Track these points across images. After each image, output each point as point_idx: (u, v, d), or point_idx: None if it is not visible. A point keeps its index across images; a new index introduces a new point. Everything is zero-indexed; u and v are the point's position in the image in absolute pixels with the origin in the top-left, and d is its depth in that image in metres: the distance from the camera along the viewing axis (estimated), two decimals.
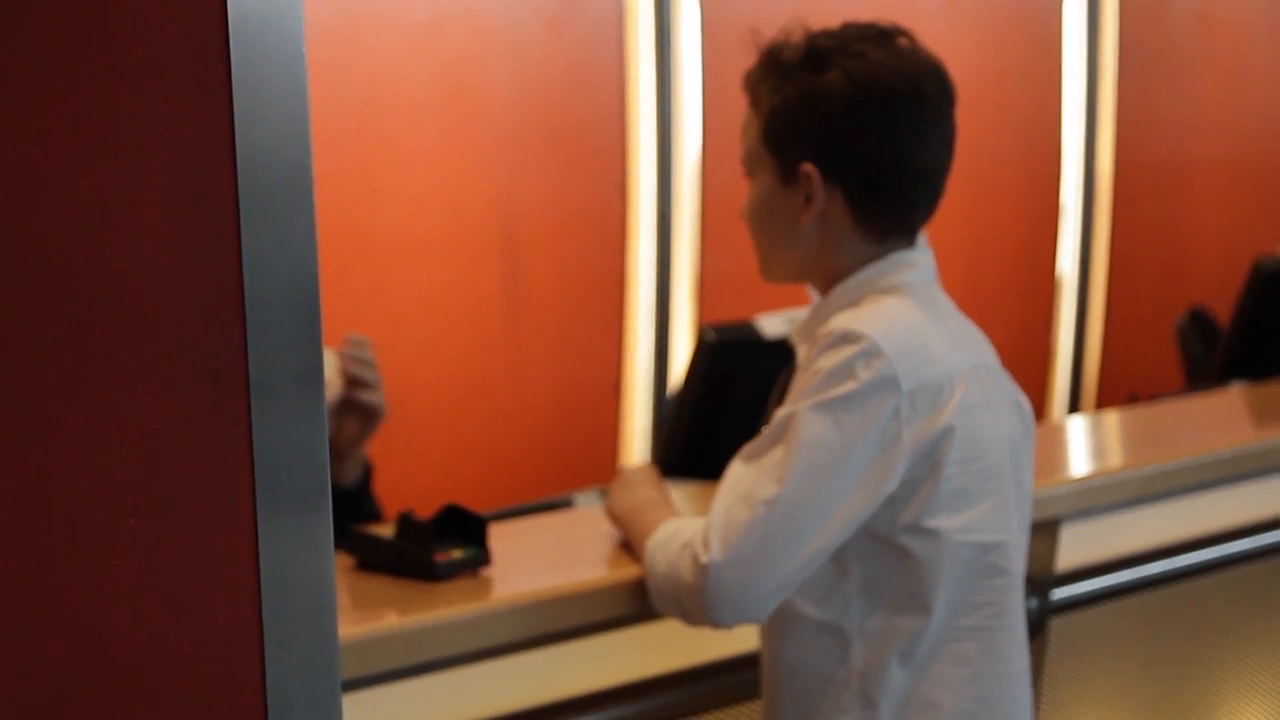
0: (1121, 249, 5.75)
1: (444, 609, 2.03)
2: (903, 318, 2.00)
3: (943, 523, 1.98)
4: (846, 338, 1.94)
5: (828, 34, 2.06)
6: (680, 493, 2.26)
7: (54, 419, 1.06)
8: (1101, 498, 2.76)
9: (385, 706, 2.03)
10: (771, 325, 2.87)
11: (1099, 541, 2.82)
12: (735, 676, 2.37)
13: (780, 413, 1.95)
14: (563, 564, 2.27)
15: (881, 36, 2.05)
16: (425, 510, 2.20)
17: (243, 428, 1.13)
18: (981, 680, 2.03)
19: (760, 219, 2.11)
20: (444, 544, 2.14)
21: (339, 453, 2.56)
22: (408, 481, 3.82)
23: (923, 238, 2.10)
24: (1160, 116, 5.82)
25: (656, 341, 4.71)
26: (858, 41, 2.04)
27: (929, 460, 1.96)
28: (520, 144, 4.46)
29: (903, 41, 2.06)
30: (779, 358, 2.27)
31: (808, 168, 2.03)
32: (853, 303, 2.03)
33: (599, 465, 4.39)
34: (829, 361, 1.94)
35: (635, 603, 2.13)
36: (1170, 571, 2.94)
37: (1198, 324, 4.45)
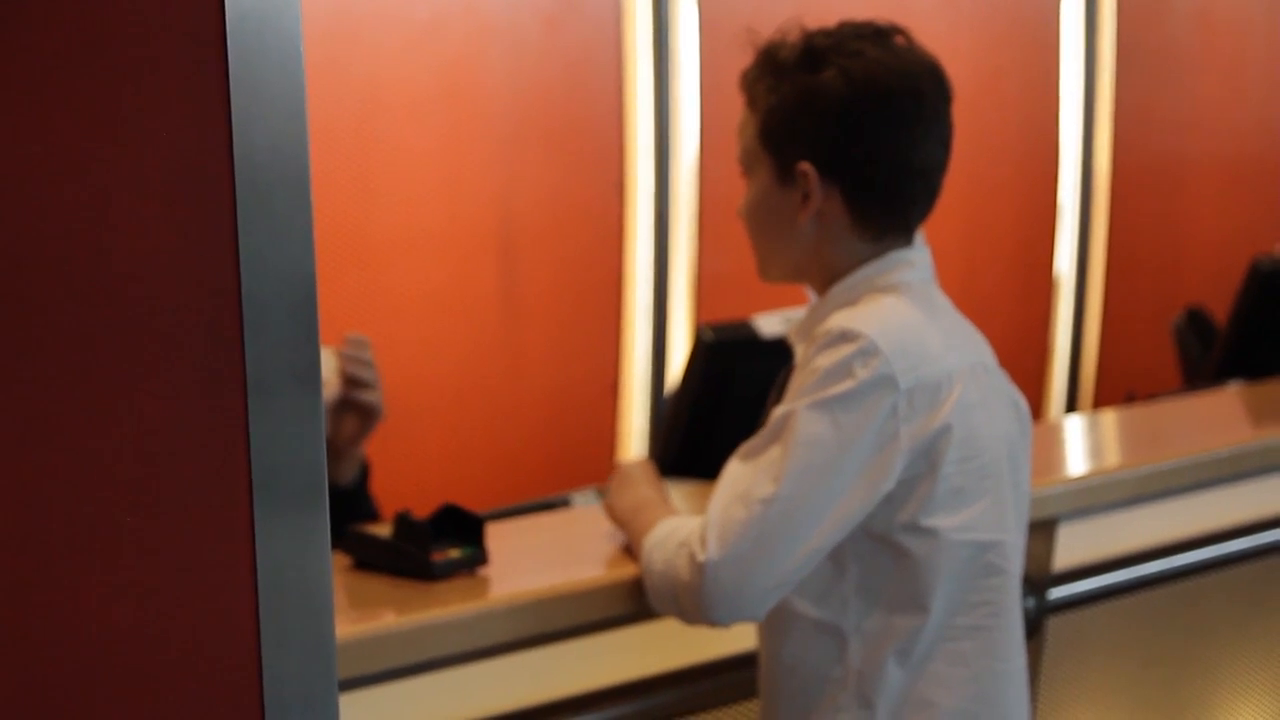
0: (1119, 248, 5.75)
1: (441, 608, 2.03)
2: (900, 316, 2.00)
3: (940, 522, 1.98)
4: (844, 336, 1.94)
5: (824, 33, 2.06)
6: (678, 492, 2.26)
7: (51, 418, 1.06)
8: (1099, 497, 2.76)
9: (382, 706, 2.03)
10: (769, 324, 2.87)
11: (1096, 541, 2.82)
12: (732, 676, 2.37)
13: (778, 411, 1.95)
14: (560, 564, 2.27)
15: (878, 35, 2.05)
16: (422, 510, 2.20)
17: (240, 427, 1.13)
18: (979, 679, 2.03)
19: (757, 218, 2.11)
20: (441, 543, 2.14)
21: (336, 452, 2.56)
22: (405, 481, 3.82)
23: (920, 236, 2.10)
24: (1158, 116, 5.82)
25: (654, 341, 4.71)
26: (854, 40, 2.04)
27: (926, 459, 1.96)
28: (518, 143, 4.46)
29: (899, 40, 2.06)
30: (776, 357, 2.27)
31: (805, 166, 2.03)
32: (850, 301, 2.03)
33: (596, 465, 4.38)
34: (827, 360, 1.94)
35: (632, 602, 2.13)
36: (1167, 571, 2.94)
37: (1195, 323, 4.45)
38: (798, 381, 1.96)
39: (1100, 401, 5.71)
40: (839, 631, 2.01)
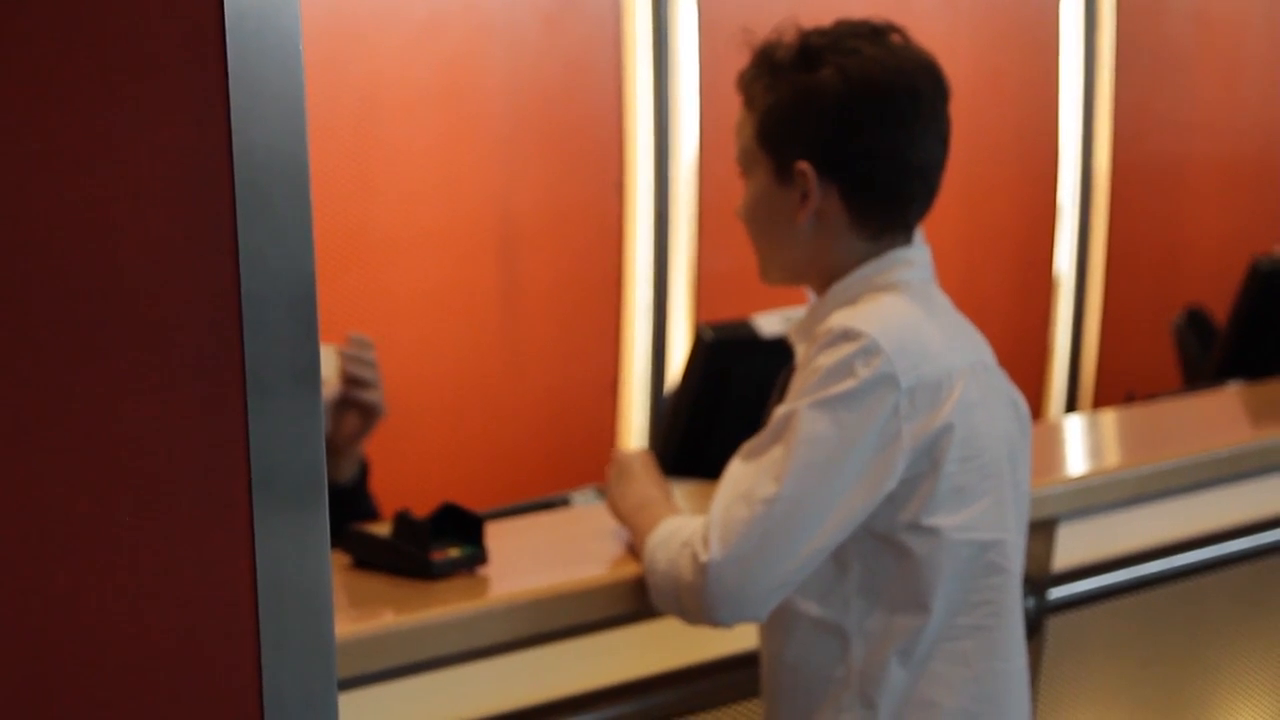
0: (1118, 248, 5.75)
1: (441, 608, 2.03)
2: (901, 315, 1.99)
3: (942, 521, 1.98)
4: (845, 335, 1.94)
5: (820, 32, 2.06)
6: (678, 491, 2.25)
7: (49, 417, 1.06)
8: (1098, 497, 2.76)
9: (382, 706, 2.03)
10: (769, 324, 2.87)
11: (1096, 541, 2.82)
12: (734, 675, 2.37)
13: (780, 411, 1.95)
14: (559, 563, 2.27)
15: (874, 33, 2.05)
16: (422, 508, 2.20)
17: (239, 426, 1.13)
18: (981, 679, 2.03)
19: (756, 218, 2.11)
20: (441, 543, 2.14)
21: (336, 450, 2.56)
22: (404, 480, 3.82)
23: (919, 235, 2.10)
24: (1157, 116, 5.82)
25: (654, 340, 4.70)
26: (851, 39, 2.04)
27: (928, 458, 1.96)
28: (517, 142, 4.46)
29: (896, 38, 2.06)
30: (776, 356, 2.27)
31: (803, 166, 2.03)
32: (850, 300, 2.03)
33: (596, 464, 4.37)
34: (828, 359, 1.94)
35: (632, 601, 2.13)
36: (1167, 571, 2.93)
37: (1195, 323, 4.45)
38: (799, 381, 1.96)
39: (1100, 401, 5.70)
40: (841, 631, 2.01)
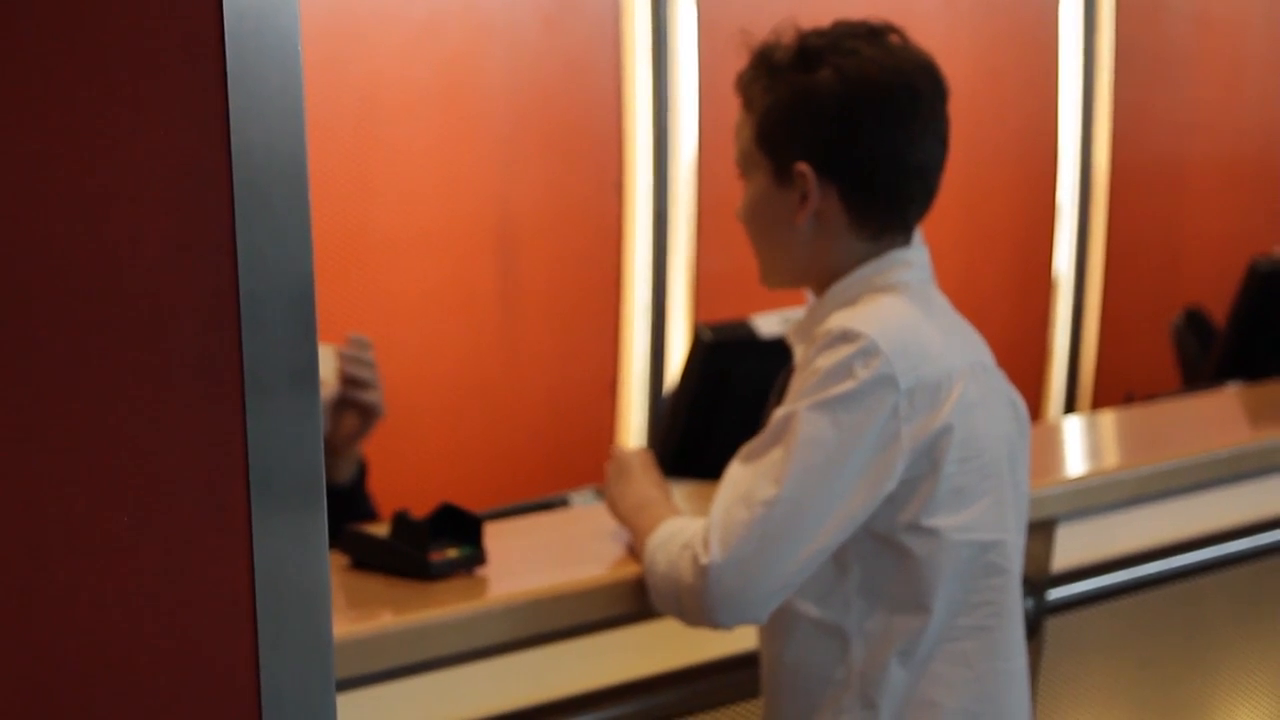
0: (1118, 249, 5.75)
1: (439, 608, 2.03)
2: (900, 316, 1.99)
3: (942, 522, 1.97)
4: (844, 337, 1.94)
5: (818, 33, 2.05)
6: (677, 492, 2.25)
7: (46, 417, 1.06)
8: (1097, 498, 2.76)
9: (380, 707, 2.02)
10: (767, 324, 2.87)
11: (1095, 542, 2.82)
12: (733, 676, 2.36)
13: (779, 413, 1.95)
14: (558, 563, 2.27)
15: (872, 34, 2.05)
16: (420, 509, 2.19)
17: (237, 426, 1.13)
18: (981, 680, 2.03)
19: (756, 220, 2.10)
20: (439, 543, 2.14)
21: (334, 450, 2.55)
22: (403, 480, 3.82)
23: (918, 236, 2.10)
24: (1156, 116, 5.81)
25: (652, 340, 4.70)
26: (849, 39, 2.04)
27: (928, 459, 1.96)
28: (517, 142, 4.46)
29: (894, 39, 2.06)
30: (775, 357, 2.27)
31: (802, 167, 2.03)
32: (849, 301, 2.03)
33: (595, 464, 4.37)
34: (827, 361, 1.93)
35: (631, 602, 2.13)
36: (1166, 572, 2.93)
37: (1194, 324, 4.45)
38: (798, 383, 1.96)
39: (1099, 402, 5.70)
40: (841, 632, 2.01)
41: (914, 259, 2.07)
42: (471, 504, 2.21)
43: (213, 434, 1.12)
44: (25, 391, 1.05)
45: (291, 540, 1.16)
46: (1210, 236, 5.94)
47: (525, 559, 2.29)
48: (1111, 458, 3.21)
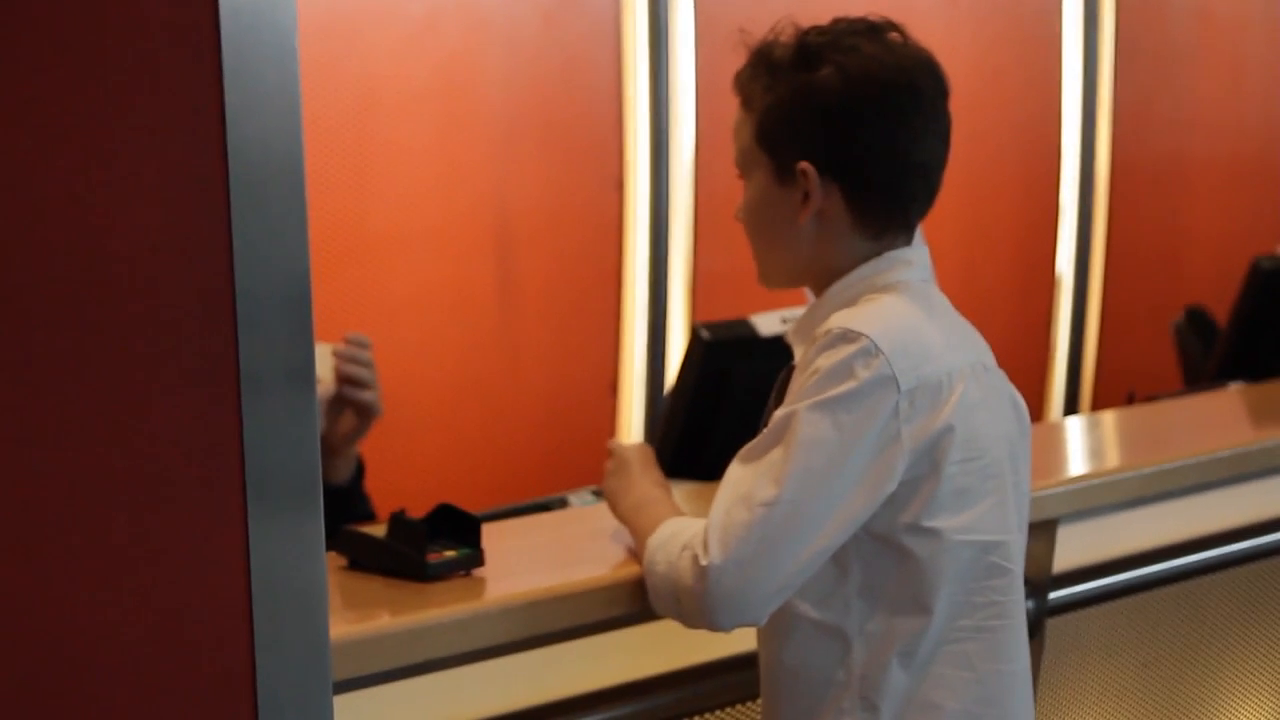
0: (1119, 248, 5.75)
1: (436, 609, 2.02)
2: (900, 316, 1.99)
3: (943, 522, 1.97)
4: (845, 337, 1.93)
5: (818, 30, 2.05)
6: (677, 492, 2.24)
7: (43, 417, 1.05)
8: (1099, 498, 2.75)
9: (377, 708, 2.02)
10: (767, 324, 2.86)
11: (1096, 542, 2.81)
12: (731, 677, 2.36)
13: (779, 413, 1.94)
14: (556, 564, 2.26)
15: (872, 31, 2.04)
16: (418, 509, 2.19)
17: (233, 425, 1.12)
18: (983, 681, 2.02)
19: (757, 220, 2.10)
20: (437, 544, 2.13)
21: (331, 450, 2.55)
22: (400, 480, 3.82)
23: (919, 235, 2.09)
24: (1158, 114, 5.82)
25: (651, 339, 4.70)
26: (849, 37, 2.03)
27: (929, 459, 1.95)
28: (515, 140, 4.45)
29: (894, 36, 2.05)
30: (774, 356, 2.26)
31: (804, 166, 2.02)
32: (849, 301, 2.02)
33: (594, 465, 4.36)
34: (827, 361, 1.93)
35: (630, 603, 2.12)
36: (1167, 573, 2.93)
37: (1195, 323, 4.45)
38: (798, 383, 1.95)
39: (1100, 402, 5.71)
40: (842, 634, 2.00)
41: (914, 258, 2.06)
42: (469, 504, 2.21)
43: (208, 433, 1.12)
44: (19, 392, 1.04)
45: (288, 540, 1.16)
46: (1212, 235, 5.94)
47: (523, 560, 2.29)
48: (1113, 458, 3.21)
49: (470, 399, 4.44)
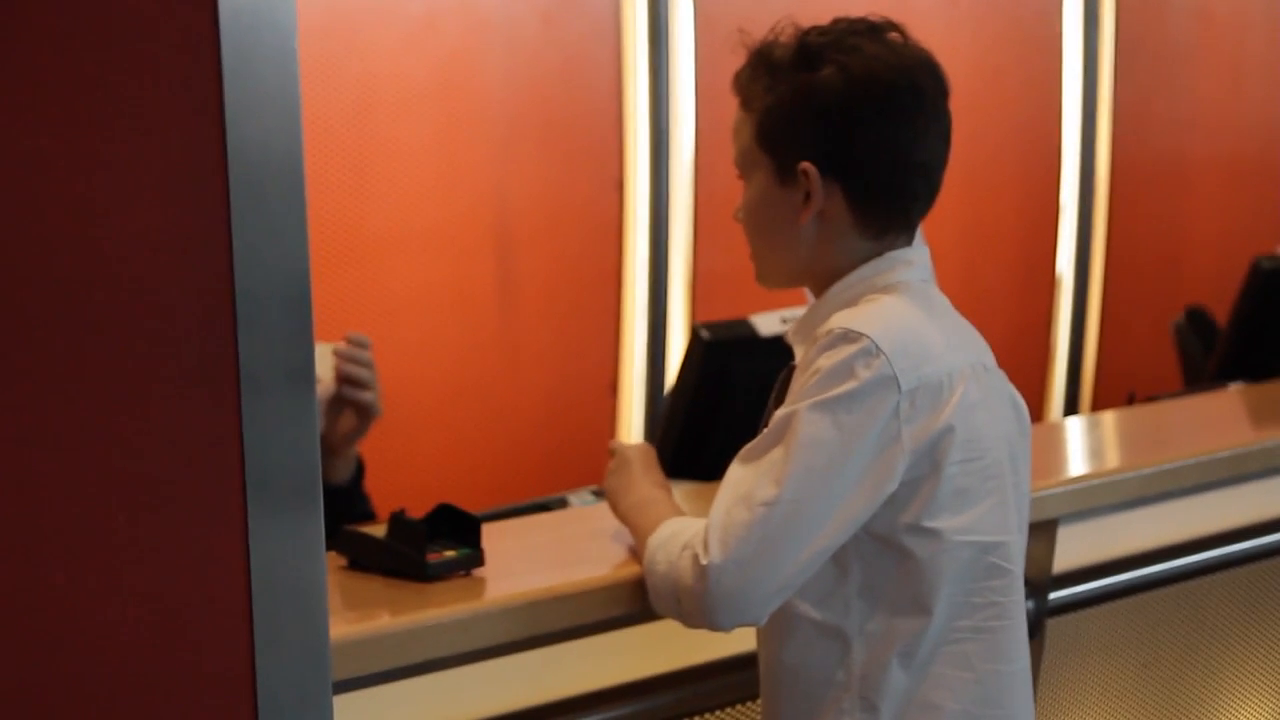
0: (1119, 248, 5.75)
1: (436, 609, 2.02)
2: (901, 316, 1.98)
3: (943, 523, 1.96)
4: (845, 337, 1.93)
5: (818, 30, 2.05)
6: (677, 492, 2.24)
7: (42, 417, 1.05)
8: (1099, 498, 2.75)
9: (377, 708, 2.02)
10: (767, 324, 2.86)
11: (1096, 543, 2.81)
12: (730, 678, 2.36)
13: (779, 413, 1.94)
14: (556, 564, 2.26)
15: (873, 31, 2.04)
16: (418, 509, 2.18)
17: (233, 425, 1.12)
18: (983, 682, 2.02)
19: (757, 221, 2.09)
20: (436, 544, 2.13)
21: (331, 450, 2.54)
22: (400, 480, 3.82)
23: (919, 235, 2.09)
24: (1158, 115, 5.82)
25: (651, 339, 4.70)
26: (850, 36, 2.03)
27: (929, 460, 1.95)
28: (515, 140, 4.45)
29: (894, 36, 2.05)
30: (774, 356, 2.26)
31: (805, 166, 2.01)
32: (850, 301, 2.02)
33: (594, 465, 4.37)
34: (828, 361, 1.92)
35: (630, 603, 2.12)
36: (1168, 573, 2.93)
37: (1196, 323, 4.45)
38: (799, 383, 1.95)
39: (1100, 402, 5.71)
40: (842, 634, 2.00)
41: (915, 258, 2.06)
42: (469, 504, 2.20)
43: (208, 433, 1.12)
44: (19, 392, 1.04)
45: (288, 540, 1.16)
46: (1212, 235, 5.94)
47: (523, 560, 2.29)
48: (1113, 458, 3.20)
49: (470, 399, 4.44)
